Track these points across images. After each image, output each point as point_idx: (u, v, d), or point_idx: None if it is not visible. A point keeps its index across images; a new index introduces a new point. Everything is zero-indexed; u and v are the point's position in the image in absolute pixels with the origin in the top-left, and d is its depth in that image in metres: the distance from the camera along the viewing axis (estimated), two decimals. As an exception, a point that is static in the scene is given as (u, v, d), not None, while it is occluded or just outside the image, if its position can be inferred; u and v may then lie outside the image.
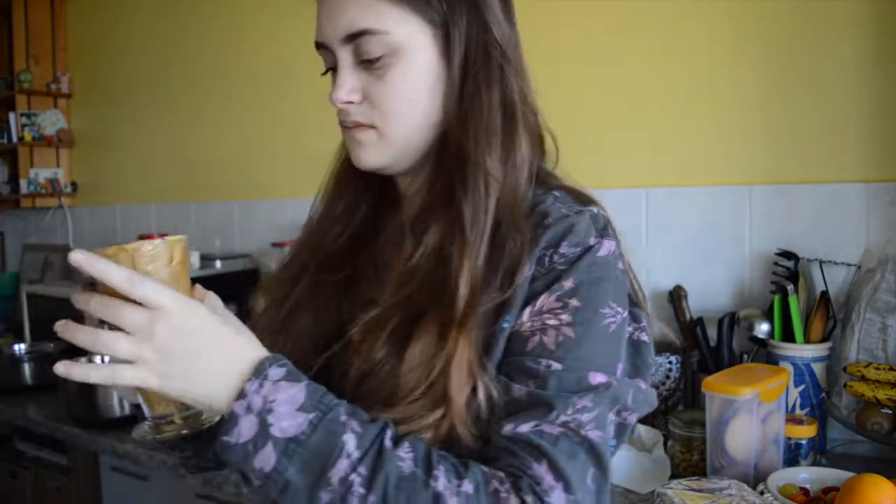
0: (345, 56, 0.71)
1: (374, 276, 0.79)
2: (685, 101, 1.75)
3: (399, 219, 0.81)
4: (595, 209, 0.72)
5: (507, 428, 0.63)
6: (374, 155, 0.73)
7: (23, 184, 3.09)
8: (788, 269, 1.57)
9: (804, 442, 1.36)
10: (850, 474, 1.14)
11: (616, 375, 0.67)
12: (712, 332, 1.62)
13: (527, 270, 0.67)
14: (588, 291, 0.67)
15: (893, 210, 1.52)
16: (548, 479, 0.60)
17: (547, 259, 0.68)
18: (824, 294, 1.51)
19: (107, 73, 3.08)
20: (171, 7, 2.80)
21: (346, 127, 0.73)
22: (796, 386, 1.48)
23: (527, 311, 0.67)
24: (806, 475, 1.23)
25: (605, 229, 0.71)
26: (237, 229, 2.63)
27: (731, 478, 1.21)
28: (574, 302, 0.66)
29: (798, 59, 1.61)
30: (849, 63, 1.56)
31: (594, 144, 1.84)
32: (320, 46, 0.73)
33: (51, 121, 3.14)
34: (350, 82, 0.71)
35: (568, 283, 0.67)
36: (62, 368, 0.58)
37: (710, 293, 1.72)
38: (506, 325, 0.67)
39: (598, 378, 0.65)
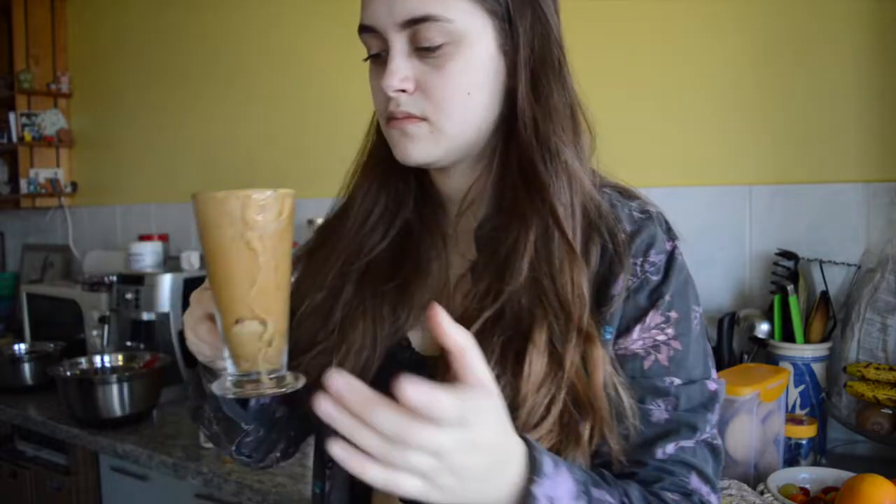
0: (399, 42, 0.67)
1: (427, 283, 0.75)
2: (685, 101, 1.75)
3: (449, 222, 0.77)
4: (653, 209, 0.73)
5: (659, 452, 0.66)
6: (423, 149, 0.69)
7: (23, 184, 3.09)
8: (788, 269, 1.57)
9: (804, 442, 1.36)
10: (850, 474, 1.14)
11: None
12: (712, 332, 1.61)
13: (621, 279, 0.67)
14: (680, 300, 0.69)
15: (893, 210, 1.52)
16: (703, 488, 0.65)
17: (638, 268, 0.68)
18: (824, 294, 1.51)
19: (107, 73, 3.08)
20: (170, 8, 2.80)
21: (396, 118, 0.68)
22: (796, 386, 1.48)
23: (637, 328, 0.67)
24: (806, 475, 1.23)
25: (669, 230, 0.72)
26: (237, 229, 2.63)
27: (731, 478, 1.21)
28: (673, 314, 0.68)
29: (798, 59, 1.61)
30: (849, 63, 1.56)
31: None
32: (367, 30, 0.69)
33: (51, 121, 3.14)
34: (404, 70, 0.67)
35: (667, 296, 0.68)
36: (341, 452, 0.49)
37: (710, 293, 1.71)
38: (608, 336, 0.66)
39: (713, 385, 0.69)
